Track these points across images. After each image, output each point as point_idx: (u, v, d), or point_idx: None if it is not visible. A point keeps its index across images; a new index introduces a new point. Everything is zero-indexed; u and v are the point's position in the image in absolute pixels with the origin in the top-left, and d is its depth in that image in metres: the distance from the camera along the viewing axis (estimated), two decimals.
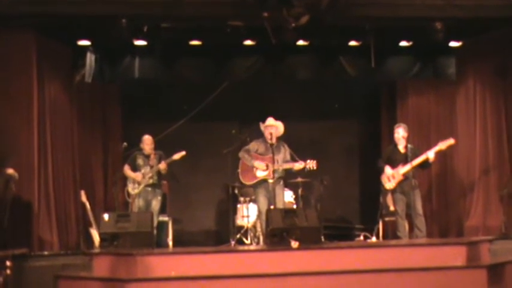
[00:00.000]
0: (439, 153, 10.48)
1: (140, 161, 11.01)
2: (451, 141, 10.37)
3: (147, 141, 11.10)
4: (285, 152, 10.44)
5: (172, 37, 11.02)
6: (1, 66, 9.97)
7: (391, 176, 10.37)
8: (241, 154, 10.58)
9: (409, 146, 10.44)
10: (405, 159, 10.28)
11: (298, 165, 10.24)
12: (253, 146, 10.56)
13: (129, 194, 11.02)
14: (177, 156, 10.90)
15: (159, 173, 10.97)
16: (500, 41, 11.24)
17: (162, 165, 10.86)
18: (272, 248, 8.48)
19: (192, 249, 9.34)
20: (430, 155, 10.22)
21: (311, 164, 10.23)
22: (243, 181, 10.60)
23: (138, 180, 10.88)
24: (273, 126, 10.39)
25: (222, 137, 12.16)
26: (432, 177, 12.39)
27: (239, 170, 10.65)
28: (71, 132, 11.26)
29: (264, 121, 10.48)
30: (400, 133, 10.49)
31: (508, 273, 8.18)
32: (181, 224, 12.83)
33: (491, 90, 11.50)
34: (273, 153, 10.14)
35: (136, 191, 10.88)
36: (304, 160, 10.24)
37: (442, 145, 10.32)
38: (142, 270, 7.75)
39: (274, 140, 10.26)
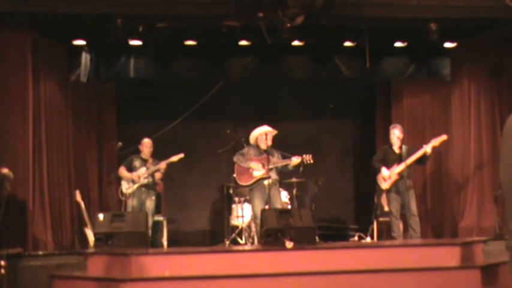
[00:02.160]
0: (432, 151, 10.53)
1: (137, 164, 11.00)
2: (443, 137, 10.40)
3: (147, 144, 11.11)
4: (277, 156, 10.49)
5: (168, 37, 11.02)
6: None
7: (387, 177, 10.39)
8: (235, 158, 10.61)
9: (403, 146, 10.48)
10: (399, 160, 10.32)
11: (296, 160, 10.25)
12: (247, 151, 10.61)
13: (122, 193, 11.03)
14: (175, 158, 10.89)
15: (153, 175, 10.98)
16: (494, 42, 11.27)
17: (163, 165, 10.83)
18: (267, 248, 8.49)
19: (187, 249, 9.36)
20: (428, 148, 10.25)
21: (307, 158, 10.24)
22: (241, 183, 10.61)
23: (133, 178, 10.87)
24: (270, 131, 10.44)
25: (217, 137, 12.16)
26: (427, 177, 12.43)
27: (235, 175, 10.67)
28: (66, 132, 11.25)
29: (255, 128, 10.55)
30: (396, 134, 10.52)
31: (502, 274, 8.19)
32: (176, 224, 12.83)
33: (486, 91, 11.52)
34: (268, 155, 10.20)
35: (130, 190, 10.89)
36: (300, 154, 10.26)
37: (435, 141, 10.35)
38: (136, 270, 7.75)
39: (269, 143, 10.36)
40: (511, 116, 2.10)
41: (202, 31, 11.05)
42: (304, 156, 10.25)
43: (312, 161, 10.28)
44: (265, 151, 10.34)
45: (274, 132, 10.51)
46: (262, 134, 10.43)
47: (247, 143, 10.69)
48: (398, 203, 10.39)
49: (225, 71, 11.87)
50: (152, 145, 11.15)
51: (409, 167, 10.32)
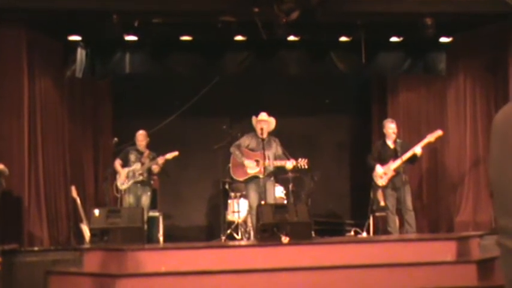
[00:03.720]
0: (428, 146, 10.55)
1: (132, 157, 10.97)
2: (438, 132, 10.43)
3: (140, 137, 11.07)
4: (276, 147, 10.44)
5: (163, 32, 11.01)
6: None
7: (383, 173, 10.39)
8: (232, 149, 10.58)
9: (398, 140, 10.49)
10: (395, 155, 10.33)
11: (289, 164, 10.26)
12: (245, 141, 10.56)
13: (117, 189, 11.02)
14: (169, 155, 10.86)
15: (149, 170, 10.95)
16: (490, 36, 11.26)
17: (161, 160, 10.80)
18: (263, 243, 8.49)
19: (183, 245, 9.36)
20: (417, 150, 10.27)
21: (302, 163, 10.25)
22: (234, 177, 10.62)
23: (128, 175, 10.86)
24: (266, 122, 10.41)
25: (213, 132, 12.16)
26: (423, 172, 12.42)
27: (230, 165, 10.66)
28: (62, 128, 11.23)
29: (256, 115, 10.49)
30: (392, 128, 10.52)
31: (498, 268, 8.19)
32: (172, 219, 12.82)
33: (482, 86, 11.52)
34: (264, 149, 10.15)
35: (125, 186, 10.87)
36: (296, 158, 10.26)
37: (431, 137, 10.38)
38: (132, 265, 7.76)
39: (265, 135, 10.28)
40: (500, 112, 2.10)
41: (197, 26, 11.05)
42: (299, 160, 10.25)
43: (306, 166, 10.30)
44: (262, 141, 10.27)
45: (271, 124, 10.47)
46: (258, 124, 10.39)
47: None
48: (394, 198, 10.40)
49: (220, 67, 11.87)
50: (147, 136, 11.11)
51: (404, 162, 10.33)
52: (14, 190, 9.71)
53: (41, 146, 10.46)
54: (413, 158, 10.38)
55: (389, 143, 10.52)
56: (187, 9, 10.18)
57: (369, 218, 11.79)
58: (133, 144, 11.17)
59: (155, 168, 10.95)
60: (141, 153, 11.02)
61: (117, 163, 11.02)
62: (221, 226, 11.78)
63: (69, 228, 11.03)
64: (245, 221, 11.58)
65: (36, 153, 10.34)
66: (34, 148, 10.27)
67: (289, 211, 8.95)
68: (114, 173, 11.17)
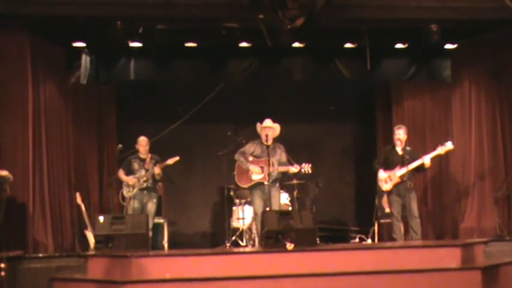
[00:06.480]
0: (436, 158, 10.48)
1: (135, 165, 10.94)
2: (449, 146, 10.26)
3: (142, 142, 11.04)
4: (280, 154, 10.42)
5: (168, 39, 11.01)
6: None
7: (387, 178, 10.36)
8: (236, 156, 10.57)
9: (407, 148, 10.42)
10: (402, 162, 10.25)
11: (293, 169, 10.25)
12: (249, 147, 10.55)
13: (123, 197, 11.00)
14: (170, 161, 10.84)
15: (153, 177, 10.93)
16: (495, 43, 11.26)
17: (157, 170, 10.81)
18: (267, 250, 8.46)
19: (188, 251, 9.32)
20: (426, 160, 10.19)
21: (306, 168, 10.24)
22: (239, 183, 10.61)
23: (131, 183, 10.84)
24: (270, 128, 10.39)
25: (217, 138, 12.17)
26: (428, 179, 12.41)
27: (235, 172, 10.65)
28: (66, 134, 11.24)
29: (261, 122, 10.48)
30: (400, 134, 10.44)
31: (503, 275, 8.18)
32: (176, 226, 12.82)
33: (487, 93, 11.51)
34: (269, 156, 10.14)
35: (130, 194, 10.85)
36: (300, 164, 10.25)
37: (441, 150, 10.26)
38: (137, 272, 7.73)
39: (270, 142, 10.27)
40: None
41: (202, 33, 11.04)
42: (302, 165, 10.24)
43: (310, 171, 10.29)
44: (267, 147, 10.26)
45: (276, 130, 10.44)
46: (262, 130, 10.38)
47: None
48: (400, 204, 10.35)
49: (225, 73, 11.87)
50: (148, 142, 11.06)
51: (411, 171, 10.27)
52: (19, 196, 9.71)
53: (46, 152, 10.47)
54: (421, 167, 10.31)
55: (398, 149, 10.44)
56: (191, 16, 10.18)
57: (373, 224, 11.79)
58: (136, 151, 11.14)
59: (157, 175, 10.93)
60: (143, 160, 11.00)
61: (121, 173, 11.00)
62: (226, 233, 11.77)
63: (74, 234, 11.02)
64: (250, 228, 11.58)
65: (41, 159, 10.35)
66: (38, 154, 10.28)
67: (294, 218, 8.91)
68: (119, 180, 11.15)
